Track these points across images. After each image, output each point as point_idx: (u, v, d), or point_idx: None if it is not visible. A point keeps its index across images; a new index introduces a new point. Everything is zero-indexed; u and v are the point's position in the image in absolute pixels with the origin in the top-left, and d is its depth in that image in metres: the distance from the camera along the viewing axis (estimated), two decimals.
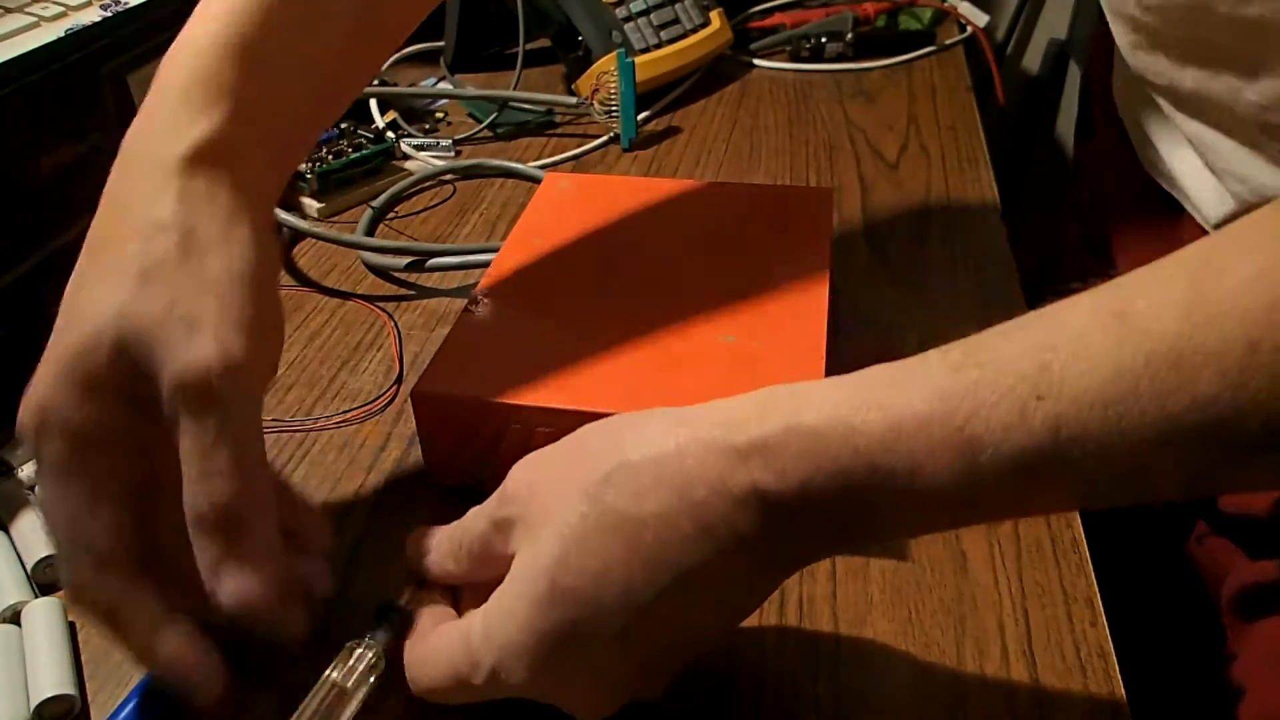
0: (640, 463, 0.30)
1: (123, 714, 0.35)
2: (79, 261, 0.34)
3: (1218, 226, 0.47)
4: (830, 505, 0.28)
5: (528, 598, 0.30)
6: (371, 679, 0.34)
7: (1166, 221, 0.55)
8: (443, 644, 0.32)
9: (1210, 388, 0.24)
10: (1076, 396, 0.25)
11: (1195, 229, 0.52)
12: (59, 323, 0.34)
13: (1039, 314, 0.27)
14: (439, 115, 0.81)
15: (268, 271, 0.35)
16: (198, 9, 0.38)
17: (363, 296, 0.59)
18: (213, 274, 0.33)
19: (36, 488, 0.35)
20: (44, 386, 0.33)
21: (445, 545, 0.35)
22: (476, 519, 0.34)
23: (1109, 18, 0.50)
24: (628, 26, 0.80)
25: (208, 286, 0.33)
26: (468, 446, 0.42)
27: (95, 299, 0.33)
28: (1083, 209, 0.71)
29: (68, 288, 0.34)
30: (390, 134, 0.72)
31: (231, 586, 0.32)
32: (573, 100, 0.78)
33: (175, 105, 0.36)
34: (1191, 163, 0.50)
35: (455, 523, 0.35)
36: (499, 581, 0.31)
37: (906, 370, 0.28)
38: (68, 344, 0.32)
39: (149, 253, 0.33)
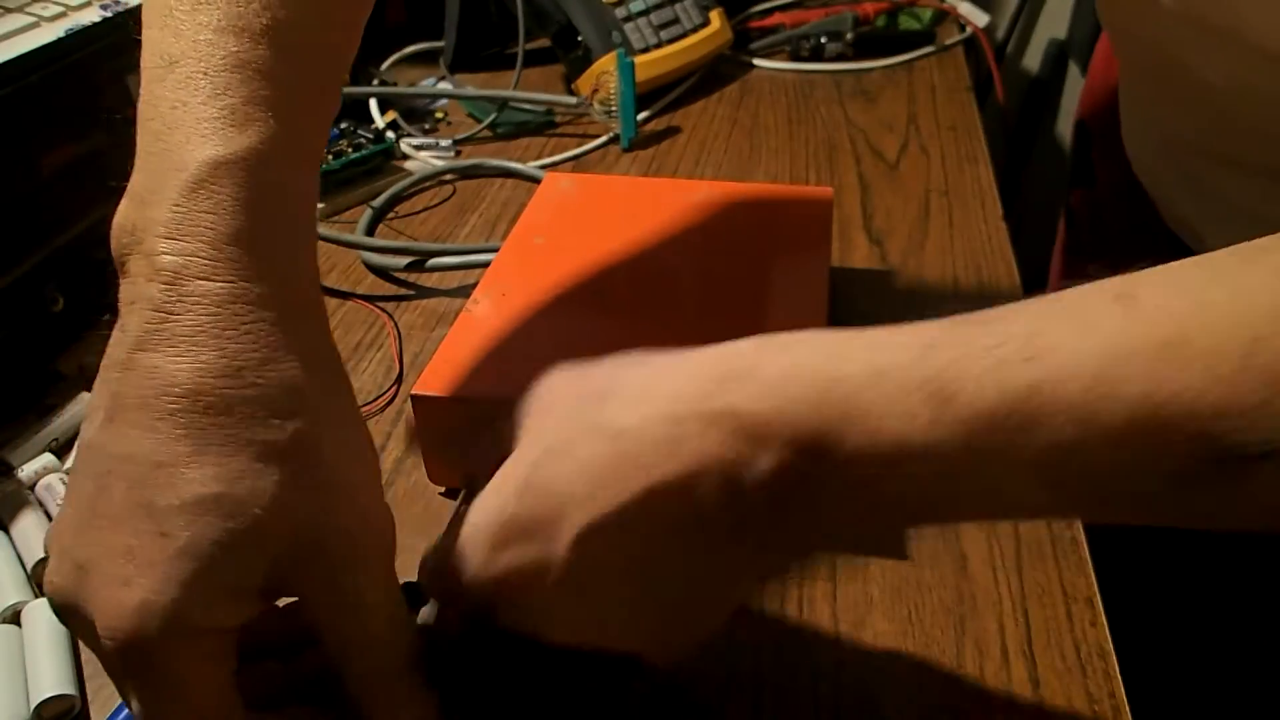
0: (636, 380, 0.30)
1: (123, 714, 0.35)
2: (144, 399, 0.28)
3: None
4: (800, 438, 0.27)
5: (504, 490, 0.31)
6: None
7: None
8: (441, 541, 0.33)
9: (1201, 383, 0.23)
10: (1062, 365, 0.24)
11: None
12: (150, 493, 0.27)
13: (1048, 295, 0.27)
14: (439, 115, 0.81)
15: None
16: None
17: (363, 296, 0.59)
18: (354, 447, 0.31)
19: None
20: (174, 588, 0.27)
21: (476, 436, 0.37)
22: (499, 417, 0.35)
23: (1129, 76, 0.49)
24: (628, 26, 0.80)
25: (354, 460, 0.31)
26: (468, 446, 0.42)
27: (234, 482, 0.28)
28: (1078, 258, 0.71)
29: (134, 431, 0.28)
30: (390, 134, 0.72)
31: None
32: (573, 100, 0.78)
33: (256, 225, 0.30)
34: (1227, 223, 0.48)
35: None
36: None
37: (910, 326, 0.28)
38: (207, 536, 0.27)
39: (284, 428, 0.29)
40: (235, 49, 0.31)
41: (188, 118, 0.30)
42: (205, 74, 0.31)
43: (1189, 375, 0.23)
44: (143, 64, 0.32)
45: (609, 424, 0.29)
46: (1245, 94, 0.41)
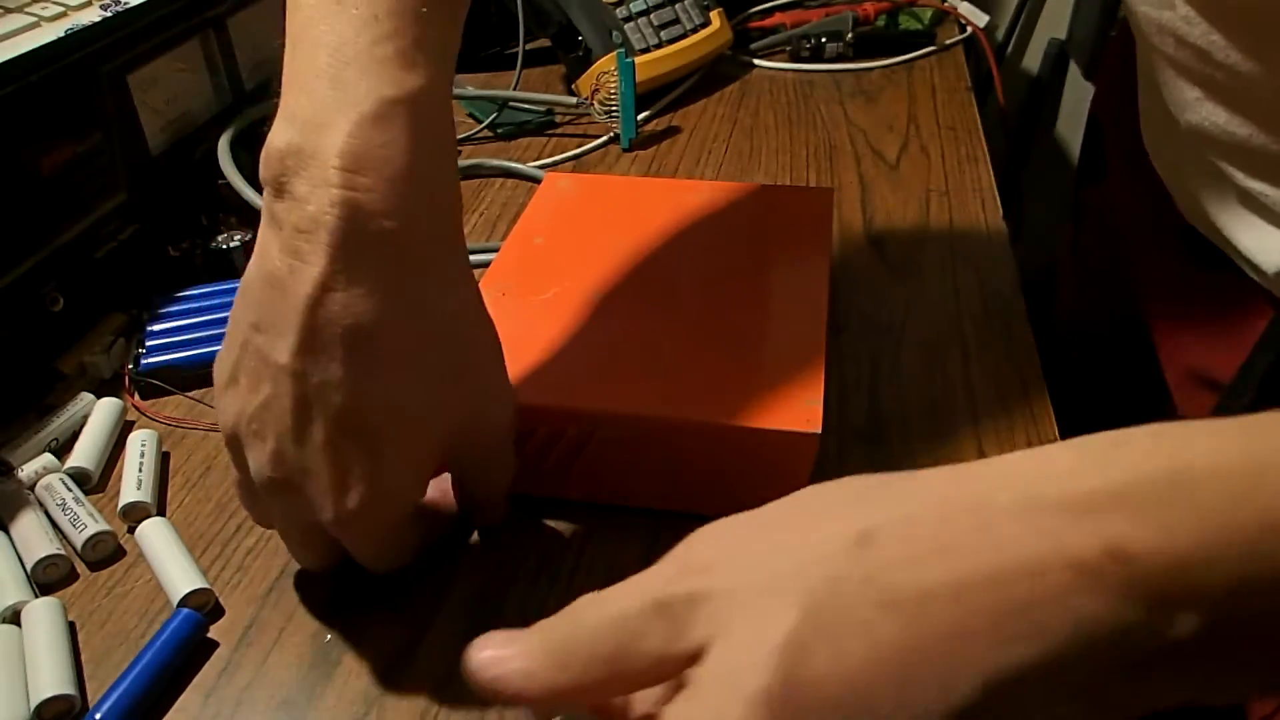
0: (915, 518, 0.21)
1: (112, 698, 0.35)
2: (361, 323, 0.32)
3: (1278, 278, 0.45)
4: (1229, 583, 0.19)
5: (744, 700, 0.21)
6: None
7: (1207, 273, 0.53)
8: None
9: None
10: None
11: (1244, 281, 0.49)
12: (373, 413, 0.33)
13: None
14: None
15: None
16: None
17: None
18: (493, 362, 0.37)
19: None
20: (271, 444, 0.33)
21: (550, 645, 0.24)
22: (619, 600, 0.24)
23: (1151, 69, 0.49)
24: (628, 26, 0.80)
25: (495, 371, 0.38)
26: None
27: (410, 398, 0.33)
28: (1088, 254, 0.70)
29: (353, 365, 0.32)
30: None
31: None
32: (573, 100, 0.78)
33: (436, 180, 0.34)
34: (1249, 218, 0.47)
35: (561, 614, 0.25)
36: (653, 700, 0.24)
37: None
38: (398, 438, 0.33)
39: (447, 357, 0.34)
40: None
41: (362, 55, 0.32)
42: (376, 17, 0.32)
43: None
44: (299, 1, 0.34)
45: (898, 585, 0.20)
46: (1271, 80, 0.41)
